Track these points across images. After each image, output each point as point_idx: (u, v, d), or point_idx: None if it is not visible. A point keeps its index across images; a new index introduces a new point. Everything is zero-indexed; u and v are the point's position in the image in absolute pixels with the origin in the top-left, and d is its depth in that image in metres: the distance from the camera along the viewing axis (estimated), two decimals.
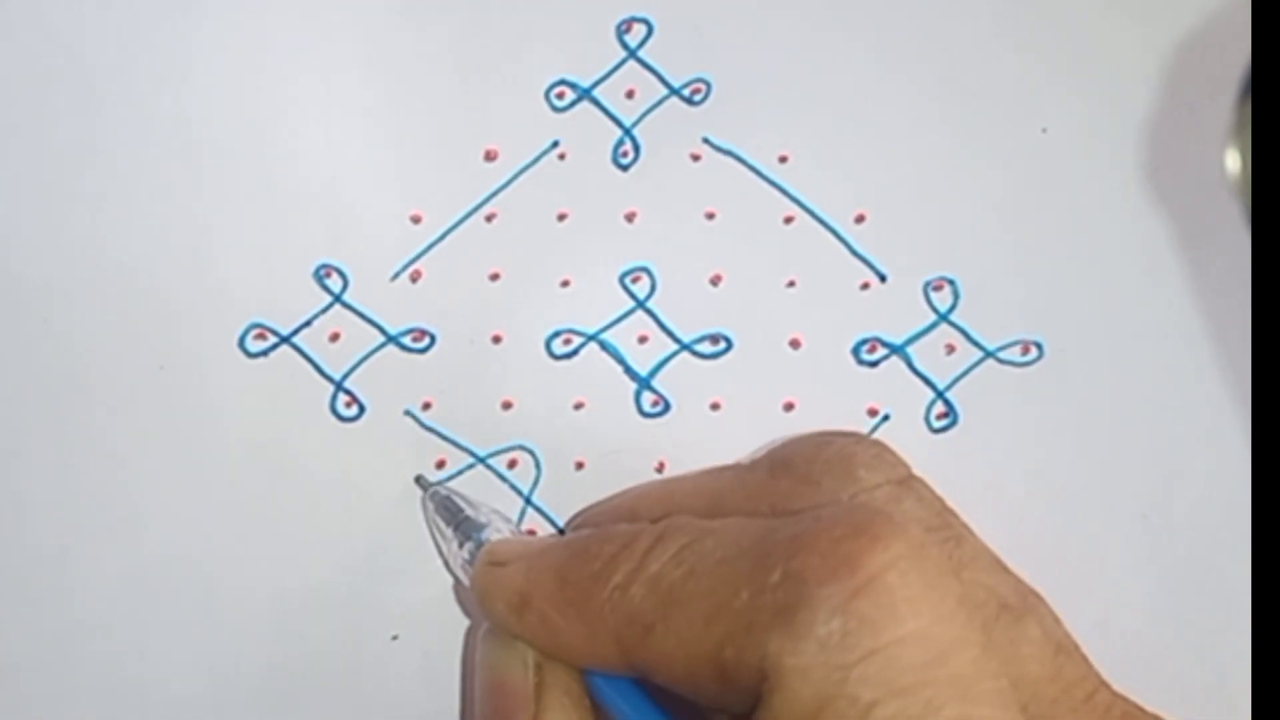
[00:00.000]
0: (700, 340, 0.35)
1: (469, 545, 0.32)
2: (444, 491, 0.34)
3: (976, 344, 0.36)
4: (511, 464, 0.35)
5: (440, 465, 0.34)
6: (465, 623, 0.35)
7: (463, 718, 0.34)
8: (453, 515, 0.33)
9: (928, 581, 0.24)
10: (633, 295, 0.35)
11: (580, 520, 0.34)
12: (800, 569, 0.24)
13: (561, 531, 0.35)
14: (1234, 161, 0.36)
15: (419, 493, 0.34)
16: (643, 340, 0.35)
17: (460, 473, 0.34)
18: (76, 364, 0.33)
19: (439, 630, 0.34)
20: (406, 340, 0.34)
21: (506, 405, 0.35)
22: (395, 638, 0.34)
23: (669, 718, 0.28)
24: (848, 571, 0.24)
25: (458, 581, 0.33)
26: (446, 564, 0.33)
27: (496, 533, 0.32)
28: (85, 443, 0.33)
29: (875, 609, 0.24)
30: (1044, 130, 0.35)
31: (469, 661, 0.34)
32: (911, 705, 0.23)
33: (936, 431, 0.36)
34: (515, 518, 0.35)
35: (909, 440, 0.33)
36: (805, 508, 0.27)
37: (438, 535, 0.34)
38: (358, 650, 0.34)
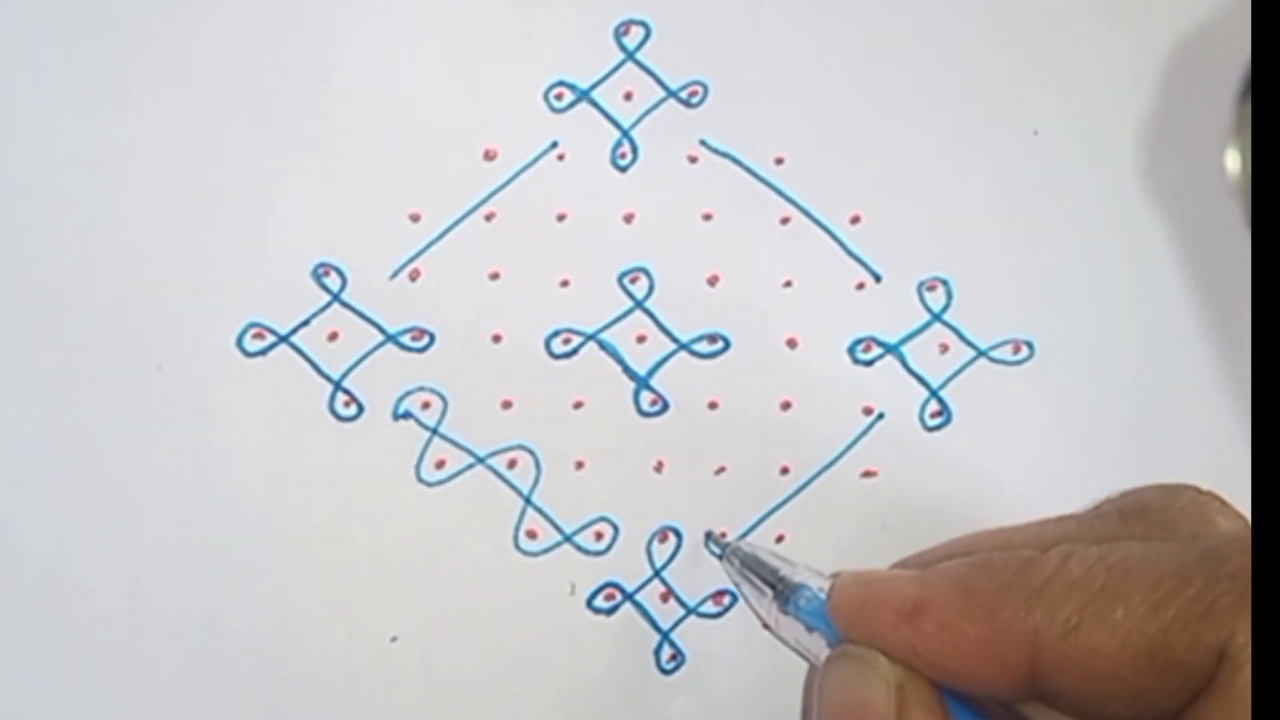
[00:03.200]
0: (698, 340, 0.35)
1: (792, 598, 0.29)
2: (747, 548, 0.31)
3: (969, 343, 0.36)
4: (511, 464, 0.35)
5: (440, 465, 0.34)
6: (465, 623, 0.34)
7: None
8: (766, 572, 0.30)
9: None
10: (631, 295, 0.35)
11: (910, 562, 0.31)
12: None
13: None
14: (1234, 161, 0.35)
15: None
16: (641, 340, 0.35)
17: (460, 473, 0.34)
18: (75, 364, 0.33)
19: (439, 630, 0.34)
20: (405, 339, 0.34)
21: (506, 405, 0.35)
22: (395, 638, 0.34)
23: None
24: None
25: (766, 627, 0.31)
26: (754, 612, 0.31)
27: (819, 589, 0.29)
28: (84, 443, 0.33)
29: None
30: (1035, 132, 0.36)
31: (811, 691, 0.31)
32: None
33: (931, 430, 0.36)
34: (516, 519, 0.35)
35: (904, 438, 0.33)
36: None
37: (742, 589, 0.31)
38: (358, 650, 0.34)
